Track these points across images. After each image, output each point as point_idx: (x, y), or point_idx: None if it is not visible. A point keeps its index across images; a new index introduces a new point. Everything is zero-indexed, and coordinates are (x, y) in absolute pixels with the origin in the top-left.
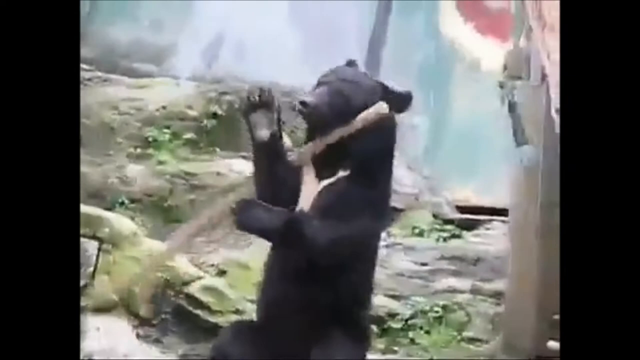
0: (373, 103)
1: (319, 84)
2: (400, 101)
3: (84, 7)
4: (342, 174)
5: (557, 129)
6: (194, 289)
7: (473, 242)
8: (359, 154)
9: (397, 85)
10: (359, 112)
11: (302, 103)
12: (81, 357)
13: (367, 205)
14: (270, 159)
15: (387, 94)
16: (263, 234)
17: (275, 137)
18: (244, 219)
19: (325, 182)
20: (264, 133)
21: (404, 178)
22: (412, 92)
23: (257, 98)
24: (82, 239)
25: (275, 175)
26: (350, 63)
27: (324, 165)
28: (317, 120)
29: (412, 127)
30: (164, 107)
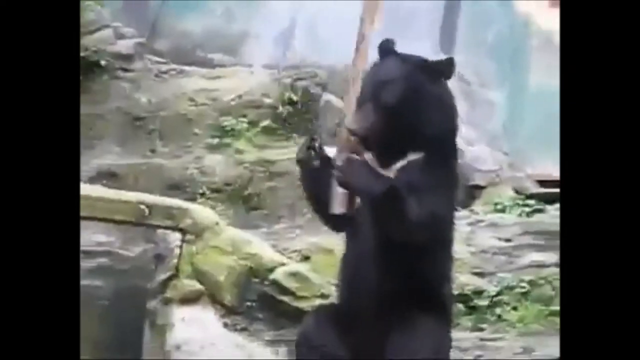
0: (417, 85)
1: (360, 99)
2: (443, 69)
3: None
4: (413, 157)
5: None
6: (278, 275)
7: (556, 215)
8: (428, 137)
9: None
10: (404, 107)
11: (352, 132)
12: (168, 349)
13: (443, 183)
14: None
15: (427, 68)
16: (363, 194)
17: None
18: (348, 175)
19: (397, 165)
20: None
21: (483, 155)
22: (453, 58)
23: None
24: (164, 231)
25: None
26: (384, 46)
27: (389, 152)
28: (372, 138)
29: (489, 103)
30: (239, 96)
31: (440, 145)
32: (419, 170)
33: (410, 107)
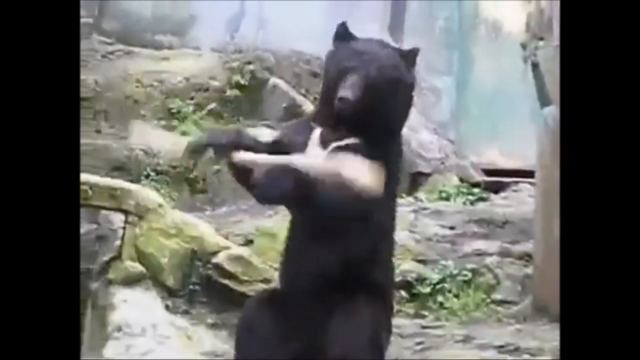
0: (399, 69)
1: (347, 69)
2: (414, 58)
3: None
4: (352, 140)
5: None
6: (221, 259)
7: (500, 204)
8: (371, 124)
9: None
10: (386, 95)
11: (342, 99)
12: (109, 330)
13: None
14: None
15: (404, 56)
16: (281, 202)
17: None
18: (263, 193)
19: (335, 143)
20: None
21: (429, 143)
22: (418, 49)
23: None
24: (108, 212)
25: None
26: (342, 30)
27: (333, 129)
28: (351, 114)
29: (436, 90)
30: (187, 79)
31: (380, 135)
32: (353, 153)
33: (390, 90)
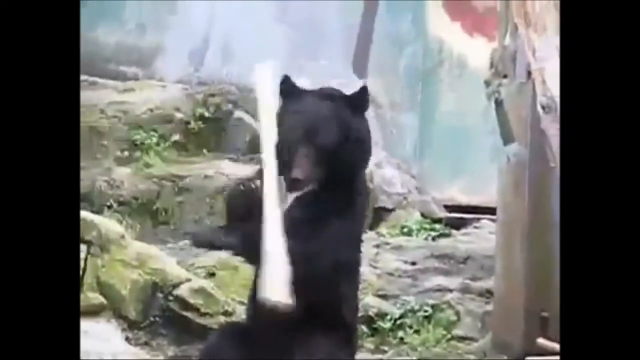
0: (346, 121)
1: (295, 143)
2: (363, 100)
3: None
4: (311, 187)
5: (543, 126)
6: (182, 291)
7: (462, 240)
8: (327, 179)
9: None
10: (338, 153)
11: (294, 181)
12: None
13: (340, 212)
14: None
15: (349, 102)
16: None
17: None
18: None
19: (295, 194)
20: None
21: (392, 178)
22: (366, 87)
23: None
24: None
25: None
26: (287, 84)
27: (291, 179)
28: (304, 187)
29: (400, 126)
30: (151, 110)
31: (338, 179)
32: (314, 200)
33: (341, 147)
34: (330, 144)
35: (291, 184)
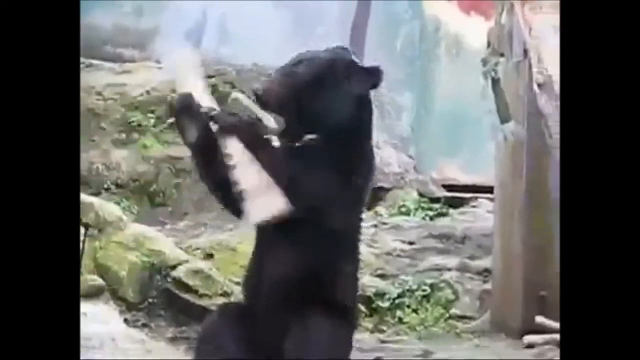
0: (334, 79)
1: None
2: (370, 76)
3: None
4: (309, 136)
5: (540, 104)
6: (180, 272)
7: (459, 219)
8: (327, 126)
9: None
10: (313, 85)
11: (254, 92)
12: None
13: (342, 167)
14: (205, 159)
15: (354, 70)
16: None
17: (206, 139)
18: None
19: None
20: (191, 135)
21: (389, 158)
22: (381, 67)
23: (177, 105)
24: None
25: (216, 172)
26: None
27: (287, 135)
28: (272, 103)
29: (397, 106)
30: (147, 92)
31: (346, 137)
32: (314, 150)
33: (322, 90)
34: (302, 74)
35: (254, 98)
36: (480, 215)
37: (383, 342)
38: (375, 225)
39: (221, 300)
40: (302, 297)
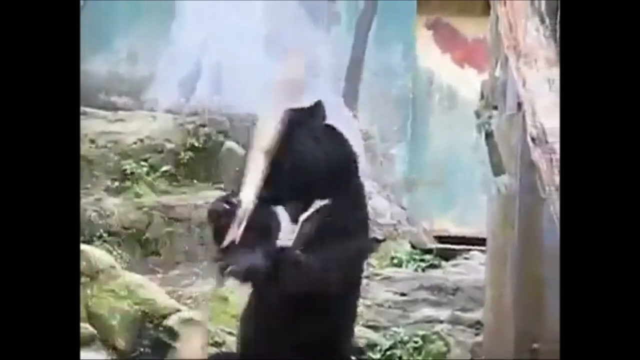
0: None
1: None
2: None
3: None
4: (319, 203)
5: (533, 157)
6: (172, 321)
7: (452, 271)
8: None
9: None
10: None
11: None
12: None
13: (350, 229)
14: None
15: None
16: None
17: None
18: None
19: (304, 215)
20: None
21: (382, 209)
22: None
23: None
24: None
25: None
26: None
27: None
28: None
29: (389, 157)
30: (141, 140)
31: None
32: (324, 217)
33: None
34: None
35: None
36: (473, 267)
37: None
38: (367, 277)
39: (212, 351)
40: (301, 350)
